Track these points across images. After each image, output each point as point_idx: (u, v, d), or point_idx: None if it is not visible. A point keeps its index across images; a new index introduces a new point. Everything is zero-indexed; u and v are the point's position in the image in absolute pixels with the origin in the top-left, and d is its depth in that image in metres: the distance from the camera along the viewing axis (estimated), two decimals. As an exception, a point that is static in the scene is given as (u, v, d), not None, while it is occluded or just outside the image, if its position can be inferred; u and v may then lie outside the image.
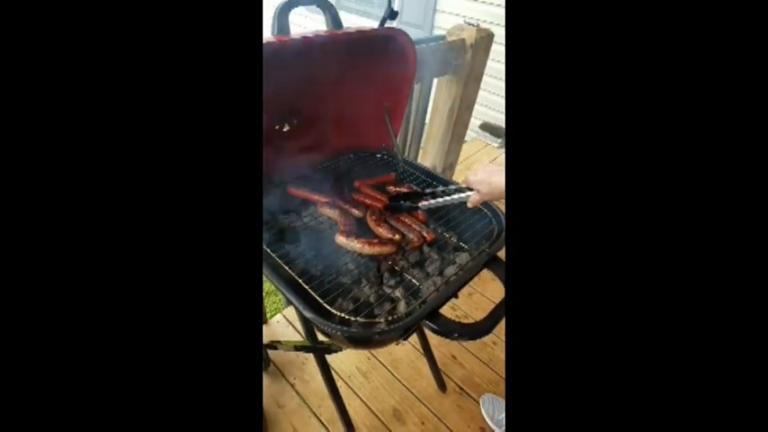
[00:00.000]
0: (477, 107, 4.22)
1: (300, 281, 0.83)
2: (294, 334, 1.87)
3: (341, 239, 0.94)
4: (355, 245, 0.91)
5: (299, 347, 1.20)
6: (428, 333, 1.60)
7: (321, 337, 1.14)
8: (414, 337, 1.81)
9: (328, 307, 0.78)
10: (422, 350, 1.65)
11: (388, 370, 1.75)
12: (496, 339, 1.92)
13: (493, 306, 0.79)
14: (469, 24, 1.62)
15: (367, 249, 0.91)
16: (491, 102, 4.06)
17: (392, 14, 0.92)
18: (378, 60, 1.09)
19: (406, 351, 1.83)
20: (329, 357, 1.53)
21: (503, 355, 1.85)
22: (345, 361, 1.75)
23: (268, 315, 1.97)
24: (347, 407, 1.40)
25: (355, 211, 1.05)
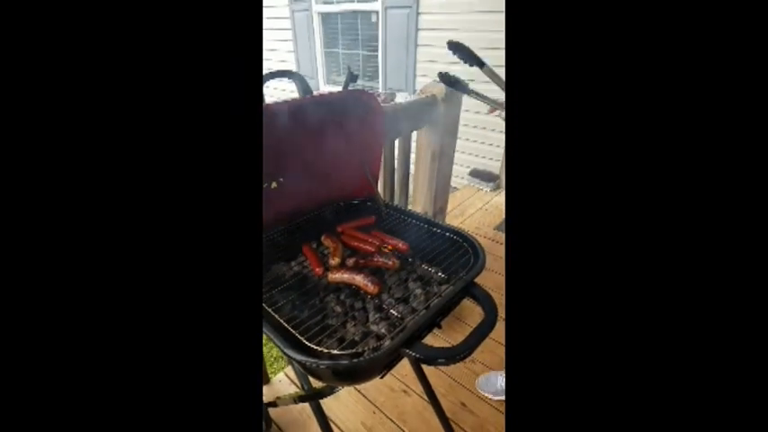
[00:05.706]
0: (464, 156, 4.41)
1: (288, 326, 0.86)
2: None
3: (332, 276, 1.00)
4: (344, 276, 0.97)
5: (296, 399, 1.19)
6: (433, 383, 1.56)
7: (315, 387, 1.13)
8: (421, 388, 1.75)
9: (315, 347, 0.80)
10: (428, 399, 1.59)
11: (396, 424, 1.67)
12: (506, 382, 1.85)
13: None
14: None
15: (357, 280, 0.97)
16: (477, 149, 4.26)
17: (353, 78, 1.05)
18: (349, 119, 1.22)
19: (413, 403, 1.76)
20: (333, 413, 1.48)
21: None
22: (350, 417, 1.69)
23: (271, 375, 1.94)
24: (352, 466, 1.34)
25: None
